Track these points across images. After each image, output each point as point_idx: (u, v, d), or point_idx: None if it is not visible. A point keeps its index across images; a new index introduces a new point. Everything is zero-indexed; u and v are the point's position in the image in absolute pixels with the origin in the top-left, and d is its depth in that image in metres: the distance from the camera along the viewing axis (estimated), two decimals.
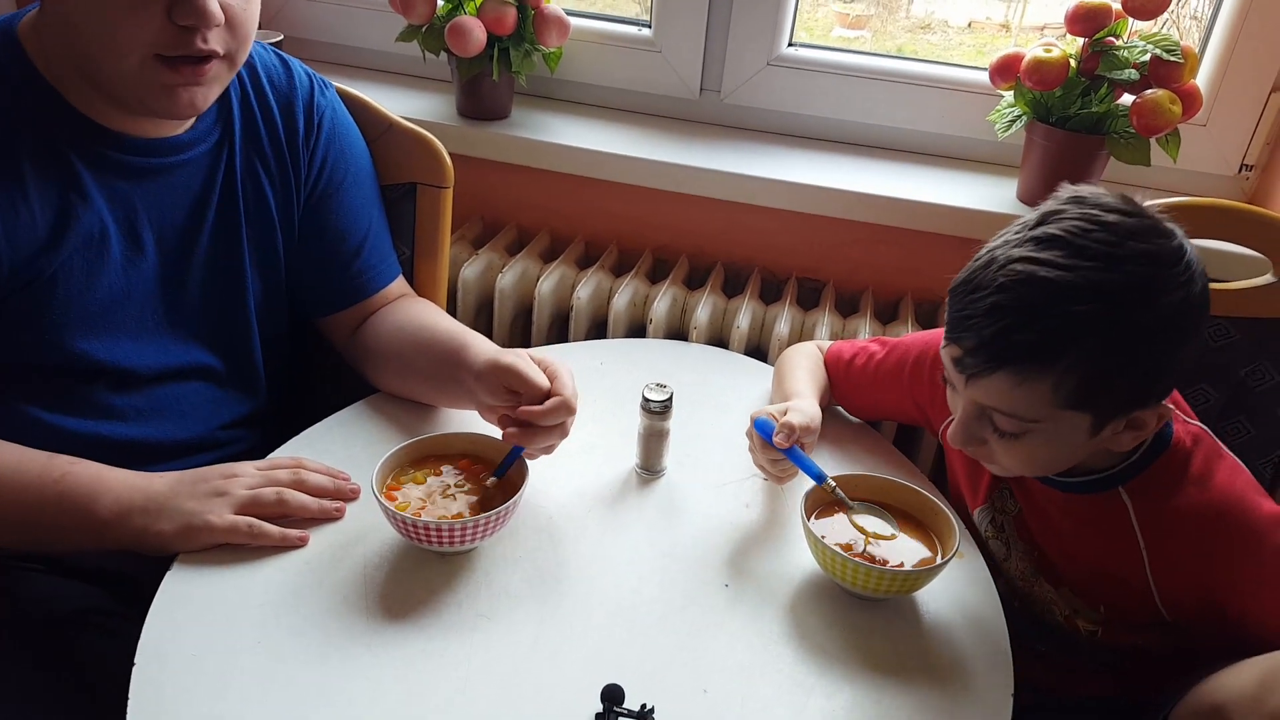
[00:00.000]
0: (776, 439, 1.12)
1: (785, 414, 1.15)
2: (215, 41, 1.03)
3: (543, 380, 1.09)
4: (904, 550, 1.08)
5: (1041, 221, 0.96)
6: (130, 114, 1.09)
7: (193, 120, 1.15)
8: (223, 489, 1.05)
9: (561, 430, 1.11)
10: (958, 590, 1.09)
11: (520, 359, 1.12)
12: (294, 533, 1.05)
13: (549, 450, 1.13)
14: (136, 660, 0.91)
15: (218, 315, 1.22)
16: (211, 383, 1.23)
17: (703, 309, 1.70)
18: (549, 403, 1.08)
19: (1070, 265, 0.91)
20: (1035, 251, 0.93)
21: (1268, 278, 1.33)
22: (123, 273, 1.12)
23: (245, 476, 1.07)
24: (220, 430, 1.24)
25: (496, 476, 1.10)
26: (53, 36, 1.05)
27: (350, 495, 1.11)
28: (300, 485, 1.08)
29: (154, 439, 1.17)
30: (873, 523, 1.10)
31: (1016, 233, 0.97)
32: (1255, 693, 0.89)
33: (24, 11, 1.09)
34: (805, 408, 1.18)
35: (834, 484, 1.11)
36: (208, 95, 1.08)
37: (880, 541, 1.08)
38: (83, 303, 1.10)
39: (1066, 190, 0.99)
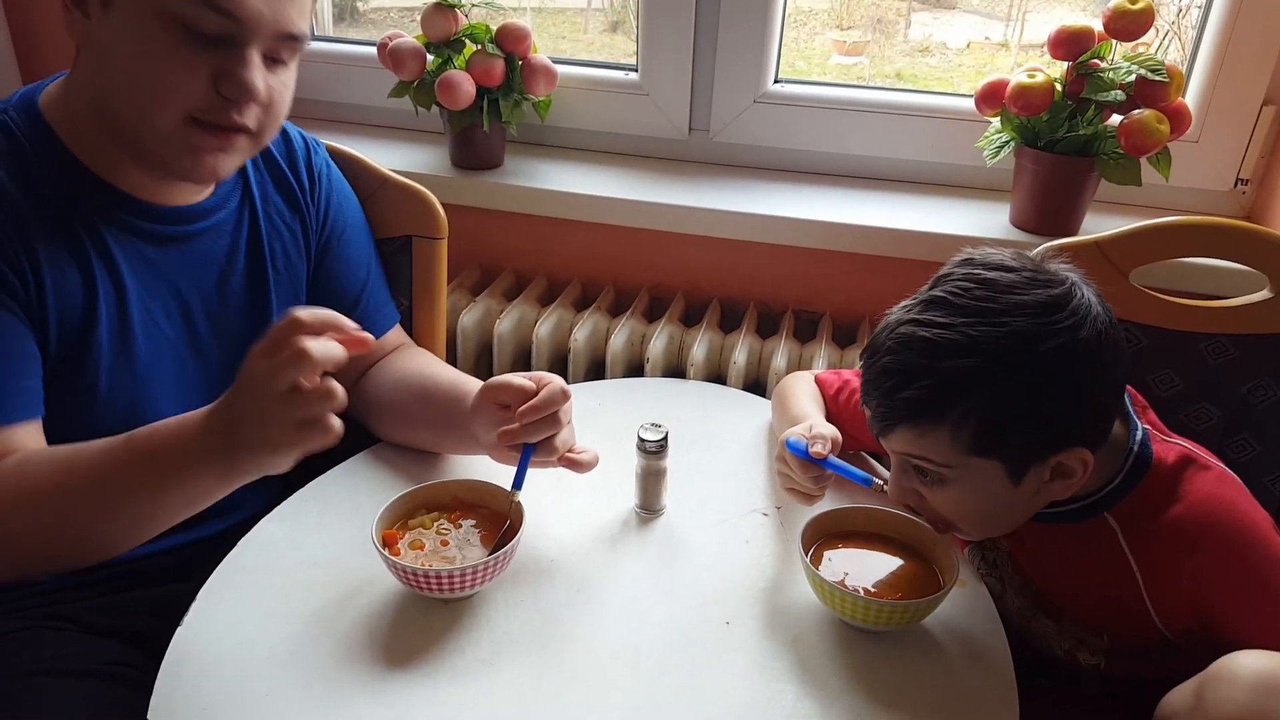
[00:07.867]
0: (814, 450, 1.13)
1: (811, 430, 1.17)
2: (249, 117, 1.06)
3: (527, 384, 1.12)
4: (905, 581, 1.08)
5: (932, 286, 1.03)
6: (152, 173, 1.10)
7: (214, 186, 1.18)
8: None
9: (555, 420, 1.11)
10: (961, 621, 1.08)
11: (504, 376, 1.14)
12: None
13: (555, 454, 1.12)
14: (150, 715, 0.91)
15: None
16: None
17: (699, 346, 1.71)
18: (542, 393, 1.10)
19: (948, 324, 0.97)
20: (920, 314, 1.00)
21: (1265, 293, 1.32)
22: (148, 338, 1.14)
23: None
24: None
25: (515, 488, 1.11)
26: (82, 98, 1.07)
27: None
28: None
29: None
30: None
31: (912, 299, 1.03)
32: (1191, 703, 0.89)
33: (48, 81, 1.11)
34: (825, 423, 1.21)
35: (882, 483, 1.13)
36: (230, 165, 1.10)
37: (880, 570, 1.08)
38: (118, 371, 1.11)
39: (960, 254, 1.05)
